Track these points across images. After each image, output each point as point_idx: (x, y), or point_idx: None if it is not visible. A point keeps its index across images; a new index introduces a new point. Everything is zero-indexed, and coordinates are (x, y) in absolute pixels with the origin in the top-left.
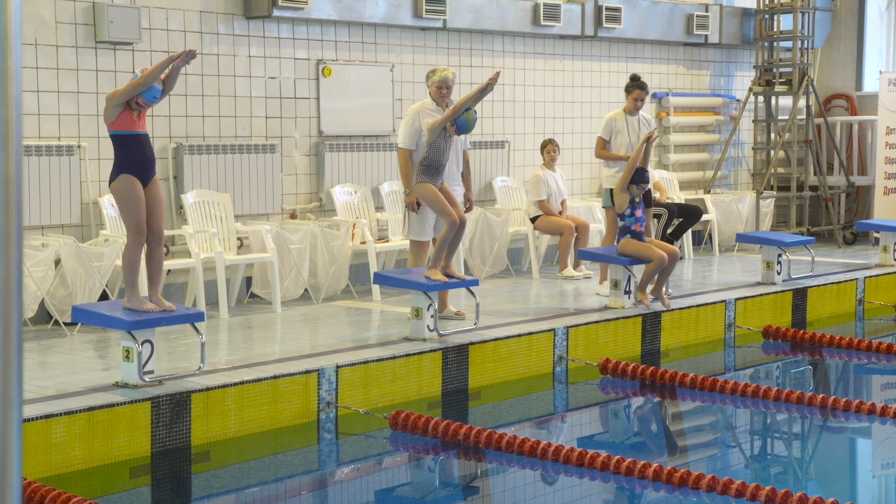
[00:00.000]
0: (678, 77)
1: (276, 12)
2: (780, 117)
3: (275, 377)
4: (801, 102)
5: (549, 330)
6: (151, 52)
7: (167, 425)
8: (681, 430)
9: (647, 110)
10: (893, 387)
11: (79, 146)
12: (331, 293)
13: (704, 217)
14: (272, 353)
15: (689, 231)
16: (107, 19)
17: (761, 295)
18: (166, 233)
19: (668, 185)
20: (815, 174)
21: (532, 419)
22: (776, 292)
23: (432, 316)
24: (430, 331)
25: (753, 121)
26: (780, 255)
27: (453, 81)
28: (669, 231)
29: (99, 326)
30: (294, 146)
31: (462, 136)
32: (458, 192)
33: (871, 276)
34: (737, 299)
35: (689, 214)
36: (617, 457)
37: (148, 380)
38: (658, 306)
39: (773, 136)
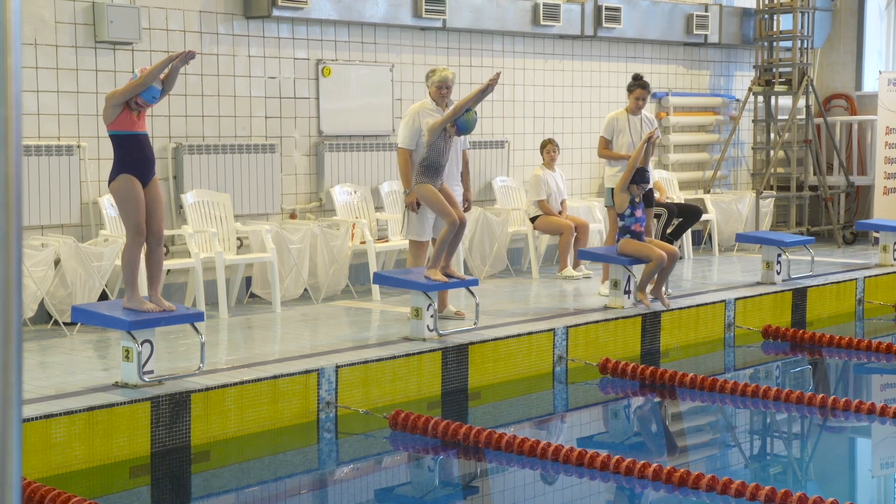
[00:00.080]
0: (678, 77)
1: (275, 12)
2: (779, 117)
3: (275, 377)
4: (801, 102)
5: (549, 330)
6: (151, 52)
7: (167, 425)
8: (680, 430)
9: (648, 110)
10: (893, 387)
11: (78, 146)
12: (331, 293)
13: (704, 217)
14: (272, 353)
15: (689, 231)
16: (106, 19)
17: (761, 295)
18: (166, 233)
19: (667, 184)
20: (814, 174)
21: (532, 419)
22: (776, 292)
23: (432, 316)
24: (430, 331)
25: (753, 121)
26: (779, 255)
27: (453, 81)
28: (669, 231)
29: (99, 326)
30: (294, 146)
31: (462, 137)
32: (457, 192)
33: (870, 276)
34: (737, 299)
35: (688, 214)
36: (617, 456)
37: (148, 380)
38: (658, 306)
39: (772, 135)
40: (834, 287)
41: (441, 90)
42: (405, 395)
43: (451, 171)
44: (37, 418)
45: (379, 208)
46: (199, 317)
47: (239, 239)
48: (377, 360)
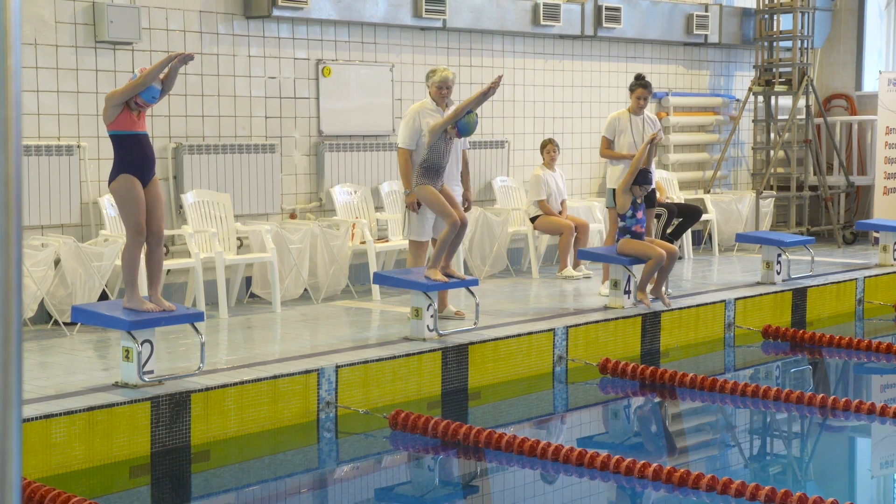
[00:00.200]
0: (678, 77)
1: (275, 12)
2: (779, 117)
3: (275, 377)
4: (801, 102)
5: (549, 330)
6: (151, 52)
7: (167, 425)
8: (680, 430)
9: (648, 110)
10: (893, 386)
11: (78, 146)
12: (331, 293)
13: (704, 217)
14: (272, 353)
15: (689, 231)
16: (106, 19)
17: (761, 295)
18: (166, 233)
19: (667, 184)
20: (814, 174)
21: (532, 419)
22: (776, 292)
23: (432, 316)
24: (430, 331)
25: (753, 121)
26: (779, 255)
27: (453, 82)
28: (669, 231)
29: (99, 326)
30: (294, 146)
31: (462, 138)
32: (457, 193)
33: (870, 276)
34: (736, 299)
35: (688, 214)
36: (617, 456)
37: (148, 380)
38: (659, 306)
39: (772, 135)
40: (834, 287)
41: (441, 90)
42: (405, 395)
43: (450, 172)
44: (37, 418)
45: (379, 208)
46: (199, 317)
47: (239, 239)
48: (377, 360)
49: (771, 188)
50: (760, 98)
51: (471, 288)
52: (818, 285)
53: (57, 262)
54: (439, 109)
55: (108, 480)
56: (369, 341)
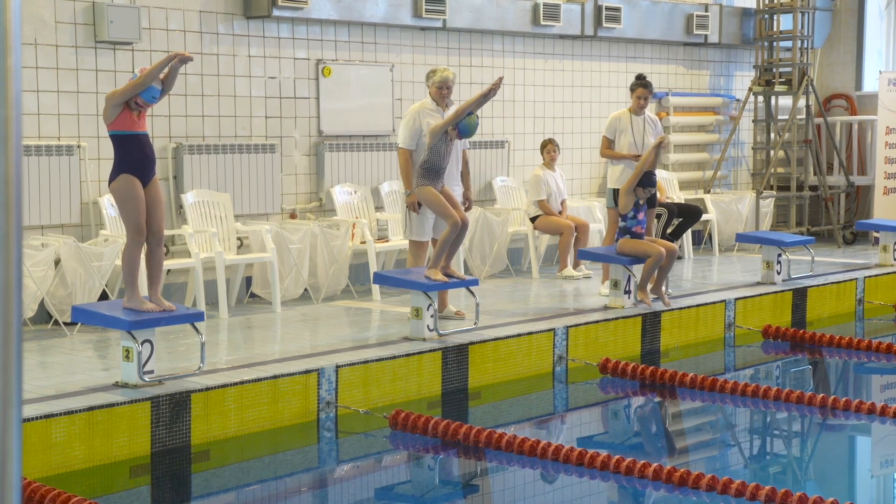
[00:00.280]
0: (678, 77)
1: (275, 12)
2: (779, 117)
3: (275, 377)
4: (801, 102)
5: (549, 330)
6: (151, 52)
7: (167, 425)
8: (681, 430)
9: (649, 109)
10: (893, 386)
11: (78, 146)
12: (331, 293)
13: (704, 217)
14: (272, 353)
15: (689, 231)
16: (106, 19)
17: (761, 295)
18: (166, 233)
19: (667, 184)
20: (814, 174)
21: (532, 419)
22: (776, 292)
23: (432, 316)
24: (430, 331)
25: (753, 121)
26: (779, 255)
27: (454, 82)
28: (669, 231)
29: (99, 326)
30: (294, 146)
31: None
32: (457, 192)
33: (870, 276)
34: (737, 299)
35: (688, 214)
36: (617, 456)
37: (148, 380)
38: (659, 305)
39: (772, 135)
40: (834, 287)
41: (441, 90)
42: (405, 394)
43: (451, 172)
44: (37, 418)
45: (379, 208)
46: (199, 317)
47: (239, 239)
48: (377, 360)
49: (771, 188)
50: (760, 98)
51: (471, 288)
52: (818, 285)
53: (57, 262)
54: (439, 109)
55: (108, 480)
56: (369, 341)
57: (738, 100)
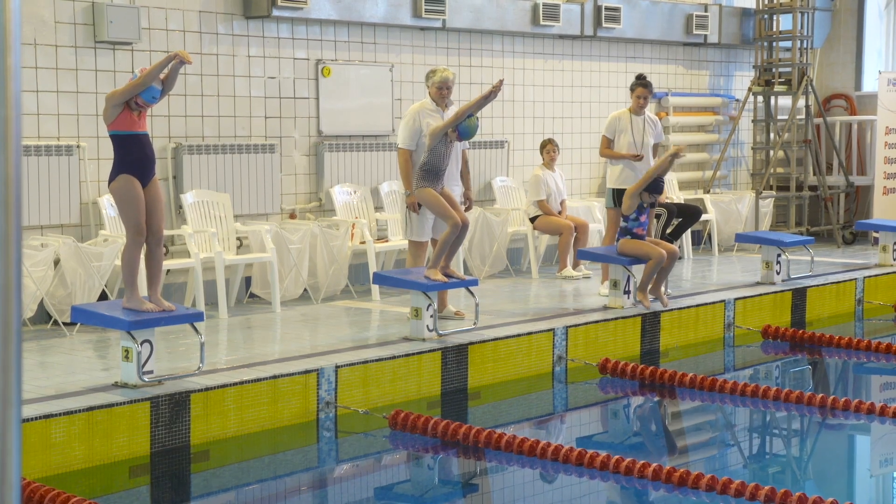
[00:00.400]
0: (678, 77)
1: (275, 12)
2: (779, 117)
3: (274, 377)
4: (801, 102)
5: (549, 330)
6: (151, 52)
7: (166, 425)
8: (680, 430)
9: (649, 110)
10: (893, 386)
11: (78, 146)
12: (330, 293)
13: (704, 217)
14: (272, 353)
15: (689, 231)
16: (106, 19)
17: (761, 295)
18: (166, 233)
19: (667, 185)
20: (814, 174)
21: (532, 419)
22: (775, 292)
23: (432, 316)
24: (430, 331)
25: (753, 121)
26: (779, 255)
27: (453, 82)
28: (669, 231)
29: (98, 326)
30: (293, 146)
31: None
32: (457, 192)
33: (870, 276)
34: (736, 299)
35: (688, 214)
36: (616, 456)
37: (147, 380)
38: (658, 306)
39: (772, 135)
40: (834, 287)
41: (441, 90)
42: (405, 394)
43: (450, 172)
44: (37, 418)
45: (379, 208)
46: (198, 317)
47: (239, 239)
48: (377, 360)
49: (770, 188)
50: (760, 98)
51: (470, 288)
52: (818, 285)
53: (57, 263)
54: (439, 110)
55: (107, 480)
56: (369, 341)
57: (737, 100)
